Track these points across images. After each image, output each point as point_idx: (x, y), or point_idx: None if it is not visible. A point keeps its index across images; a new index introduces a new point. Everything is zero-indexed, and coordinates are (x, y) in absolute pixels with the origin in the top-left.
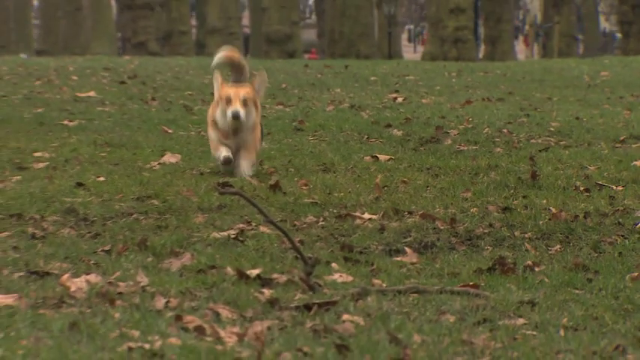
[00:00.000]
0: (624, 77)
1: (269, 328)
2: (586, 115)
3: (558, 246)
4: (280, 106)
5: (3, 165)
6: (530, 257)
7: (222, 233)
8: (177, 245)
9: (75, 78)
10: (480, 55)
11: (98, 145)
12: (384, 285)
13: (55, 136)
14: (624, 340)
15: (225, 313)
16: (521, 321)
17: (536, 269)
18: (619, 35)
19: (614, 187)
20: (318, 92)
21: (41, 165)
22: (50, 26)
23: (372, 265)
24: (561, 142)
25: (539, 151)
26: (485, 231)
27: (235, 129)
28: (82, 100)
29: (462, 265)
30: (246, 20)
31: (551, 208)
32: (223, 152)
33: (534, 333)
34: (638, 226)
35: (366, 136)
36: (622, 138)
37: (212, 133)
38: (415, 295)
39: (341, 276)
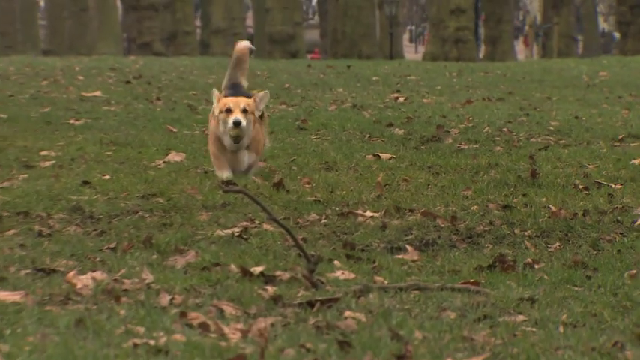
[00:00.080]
0: (622, 77)
1: (272, 325)
2: (585, 114)
3: (558, 243)
4: (283, 106)
5: (10, 163)
6: (530, 255)
7: (226, 231)
8: (182, 243)
9: (81, 78)
10: (481, 56)
11: (104, 144)
12: (386, 282)
13: (62, 135)
14: (622, 337)
15: (229, 309)
16: (521, 317)
17: (536, 266)
18: (617, 35)
19: (613, 186)
20: (320, 92)
21: (48, 163)
22: (56, 27)
23: (374, 262)
24: (560, 141)
25: (539, 150)
26: (486, 229)
27: (236, 137)
28: (88, 99)
29: (463, 263)
30: (249, 21)
31: (550, 206)
32: (225, 174)
33: (534, 329)
34: (636, 224)
35: (368, 135)
36: (620, 137)
37: (213, 148)
38: (416, 292)
39: (343, 273)
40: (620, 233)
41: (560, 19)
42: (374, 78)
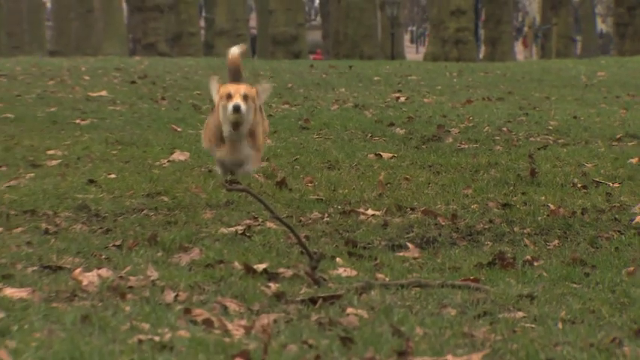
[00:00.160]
0: (620, 77)
1: (275, 321)
2: (583, 114)
3: (556, 241)
4: (286, 105)
5: (17, 162)
6: (529, 252)
7: (229, 229)
8: (186, 240)
9: (87, 78)
10: (481, 56)
11: (109, 143)
12: (387, 279)
13: (68, 135)
14: (620, 333)
15: (232, 306)
16: (520, 314)
17: (535, 264)
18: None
19: (611, 184)
20: (323, 92)
21: (54, 162)
22: (63, 28)
23: (376, 259)
24: (559, 141)
25: (538, 149)
26: (486, 227)
27: (236, 122)
28: (94, 99)
29: (463, 260)
30: (253, 22)
31: (549, 204)
32: (216, 152)
33: (533, 326)
34: (634, 222)
35: (370, 135)
36: (618, 136)
37: (208, 144)
38: (417, 288)
39: (345, 270)
40: (618, 231)
41: (558, 20)
42: (375, 78)
